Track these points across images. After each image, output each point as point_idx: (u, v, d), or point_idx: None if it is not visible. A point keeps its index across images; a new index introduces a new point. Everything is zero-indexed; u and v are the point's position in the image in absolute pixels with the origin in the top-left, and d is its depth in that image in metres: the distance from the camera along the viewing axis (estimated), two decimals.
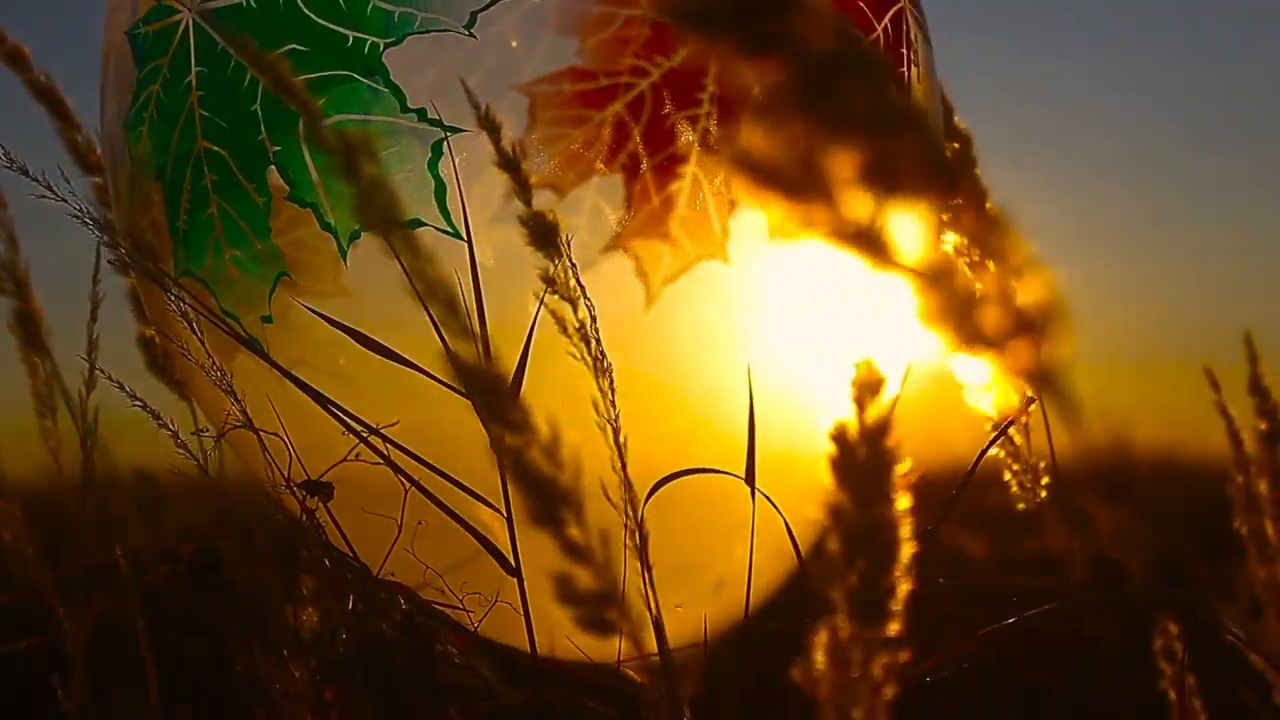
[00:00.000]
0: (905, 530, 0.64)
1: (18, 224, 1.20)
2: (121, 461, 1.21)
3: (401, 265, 0.64)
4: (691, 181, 0.94)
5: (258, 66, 0.65)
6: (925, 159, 0.44)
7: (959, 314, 0.46)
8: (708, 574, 1.02)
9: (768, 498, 0.95)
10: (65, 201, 0.93)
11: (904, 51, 1.00)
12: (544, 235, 0.81)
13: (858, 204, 0.45)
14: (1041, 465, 1.13)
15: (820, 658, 0.64)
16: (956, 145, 1.12)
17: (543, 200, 0.92)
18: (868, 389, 0.65)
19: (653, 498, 0.96)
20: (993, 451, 1.16)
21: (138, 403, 0.93)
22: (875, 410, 0.65)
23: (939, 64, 1.17)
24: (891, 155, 0.44)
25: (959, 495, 0.94)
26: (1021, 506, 1.12)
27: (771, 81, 0.43)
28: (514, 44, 0.93)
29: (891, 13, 1.00)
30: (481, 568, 0.99)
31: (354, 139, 0.64)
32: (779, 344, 1.02)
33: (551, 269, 0.82)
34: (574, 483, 0.66)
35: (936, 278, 0.46)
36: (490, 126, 0.82)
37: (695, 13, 0.45)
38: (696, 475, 0.97)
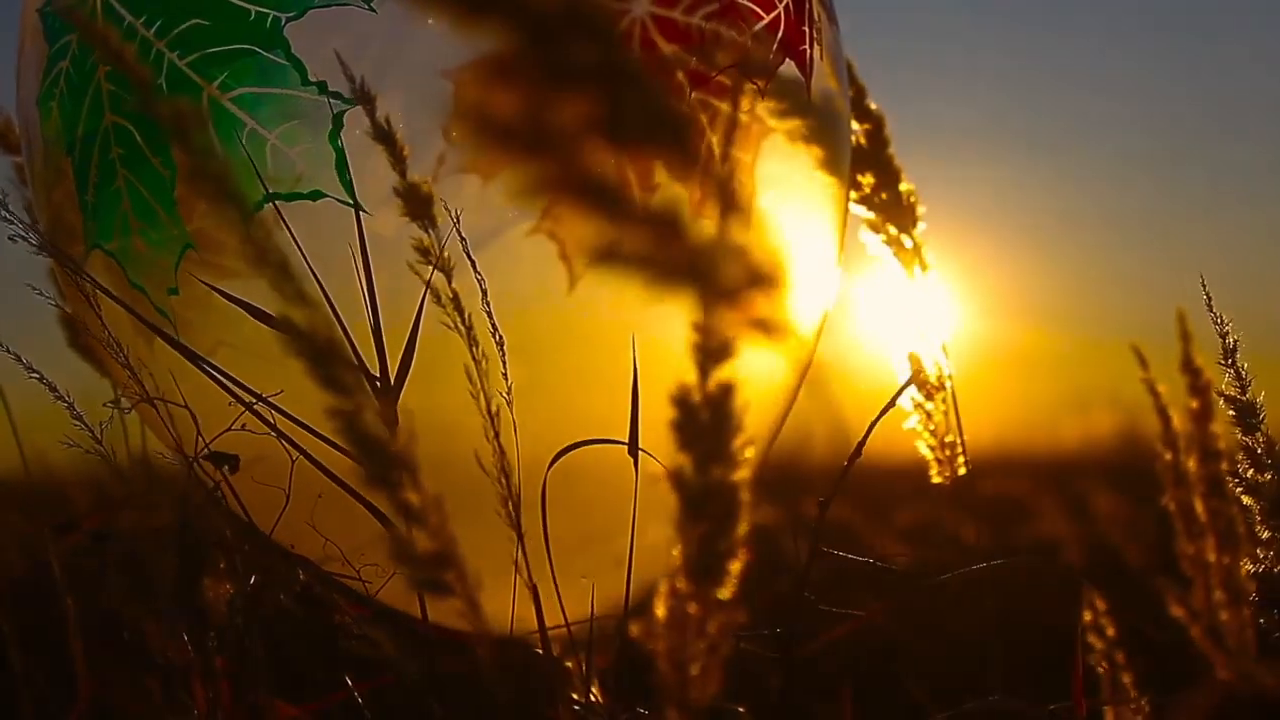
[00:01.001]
0: (744, 494, 0.64)
1: None
2: (40, 439, 1.22)
3: (293, 241, 0.64)
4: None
5: (88, 37, 0.66)
6: (650, 113, 0.45)
7: (692, 267, 0.47)
8: (609, 549, 1.02)
9: (658, 460, 0.95)
10: None
11: (805, 29, 1.01)
12: (419, 206, 0.82)
13: (589, 158, 0.46)
14: (955, 443, 1.13)
15: (660, 614, 0.65)
16: (868, 126, 1.12)
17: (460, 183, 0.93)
18: (712, 354, 0.66)
19: (563, 473, 0.97)
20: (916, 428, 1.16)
21: (34, 374, 0.94)
22: (719, 375, 0.66)
23: (870, 46, 1.18)
24: (618, 110, 0.45)
25: (849, 467, 0.95)
26: (937, 480, 1.13)
27: (498, 41, 0.44)
28: (430, 23, 0.93)
29: None
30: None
31: (185, 110, 0.65)
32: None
33: (427, 240, 0.83)
34: (407, 446, 0.67)
35: (668, 228, 0.46)
36: (365, 99, 0.83)
37: None
38: (610, 451, 0.98)
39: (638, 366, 0.94)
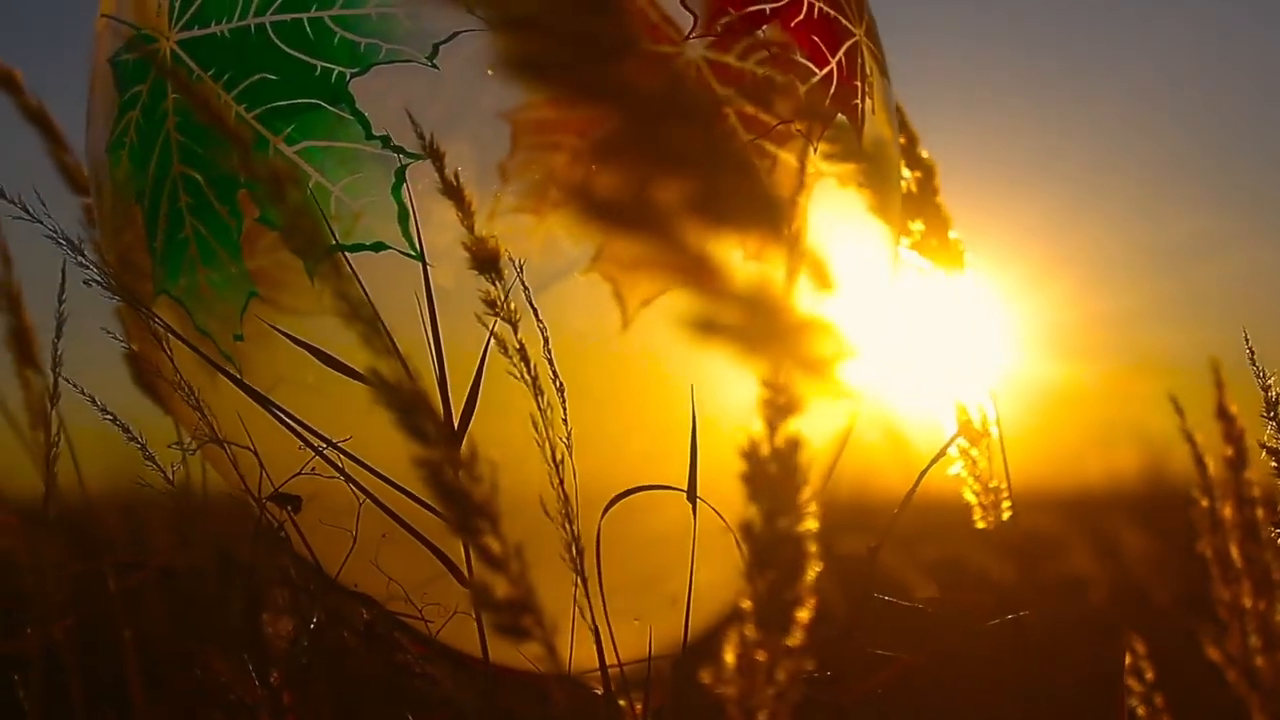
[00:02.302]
0: (811, 545, 0.67)
1: (11, 243, 1.24)
2: (102, 474, 1.24)
3: (363, 287, 0.67)
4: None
5: (190, 98, 0.68)
6: (749, 195, 0.47)
7: (780, 338, 0.49)
8: (664, 589, 1.04)
9: (717, 512, 0.97)
10: (40, 222, 0.96)
11: (858, 85, 1.03)
12: (486, 261, 0.85)
13: (687, 236, 0.48)
14: (1001, 488, 1.15)
15: (729, 661, 0.67)
16: (918, 174, 1.15)
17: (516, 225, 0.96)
18: (779, 409, 0.68)
19: (619, 515, 0.99)
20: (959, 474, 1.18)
21: (108, 416, 0.96)
22: (786, 429, 0.68)
23: (915, 96, 1.20)
24: (717, 192, 0.47)
25: (900, 514, 0.97)
26: (981, 525, 1.15)
27: (606, 123, 0.46)
28: (490, 72, 0.96)
29: (846, 46, 1.02)
30: (450, 579, 1.02)
31: (281, 169, 0.67)
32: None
33: (494, 293, 0.85)
34: (490, 495, 0.69)
35: (759, 304, 0.49)
36: (435, 155, 0.85)
37: (532, 60, 0.49)
38: (664, 494, 1.00)
39: (696, 415, 0.96)
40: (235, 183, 0.96)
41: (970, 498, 1.16)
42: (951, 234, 1.16)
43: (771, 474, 0.67)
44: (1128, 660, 1.12)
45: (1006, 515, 1.18)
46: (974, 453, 1.15)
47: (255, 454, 1.00)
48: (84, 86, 1.12)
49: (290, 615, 0.95)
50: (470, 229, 0.86)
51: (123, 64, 1.02)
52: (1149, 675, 1.13)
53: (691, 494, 0.95)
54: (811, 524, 0.66)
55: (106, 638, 1.00)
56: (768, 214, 0.50)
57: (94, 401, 0.96)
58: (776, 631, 0.67)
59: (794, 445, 0.67)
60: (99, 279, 0.95)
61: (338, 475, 0.94)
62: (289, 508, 0.99)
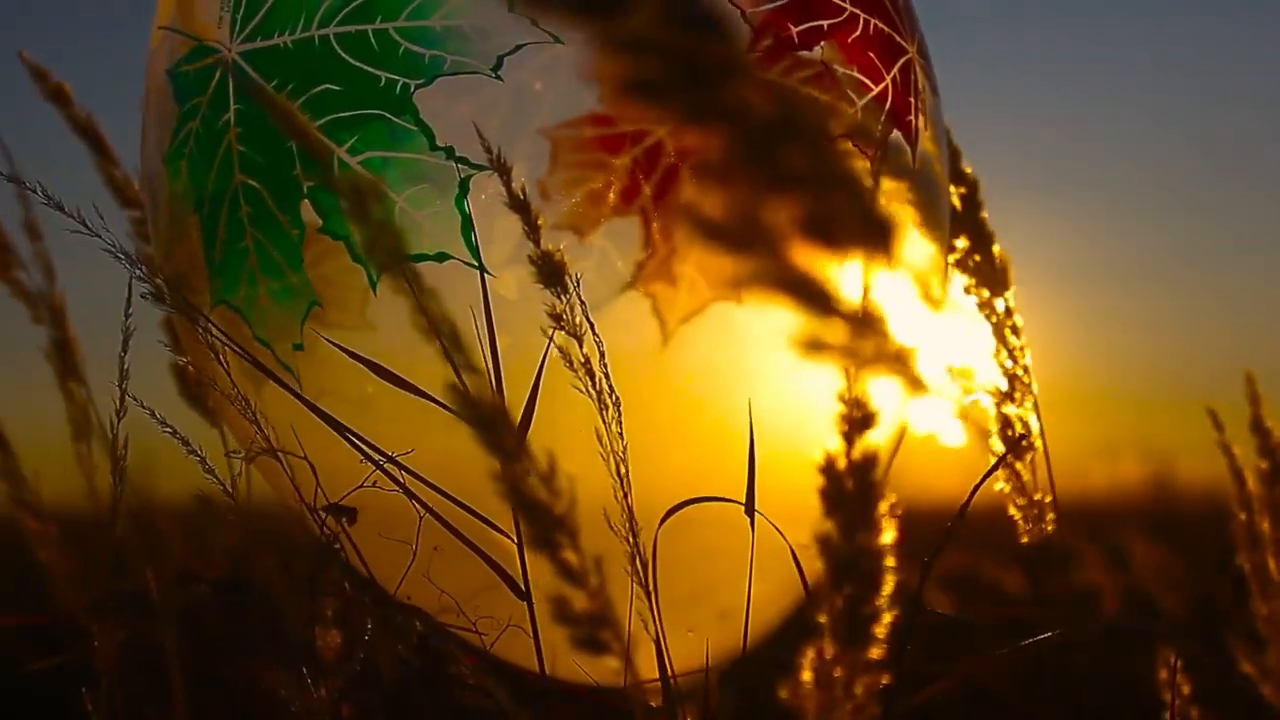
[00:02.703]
0: (890, 559, 0.67)
1: (54, 255, 1.25)
2: (153, 487, 1.25)
3: (420, 301, 0.67)
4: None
5: (273, 110, 0.69)
6: (860, 216, 0.48)
7: (894, 359, 0.49)
8: (714, 602, 1.05)
9: (772, 524, 0.98)
10: (99, 236, 0.97)
11: (911, 100, 1.04)
12: (552, 274, 0.85)
13: (798, 257, 0.49)
14: (1046, 500, 1.15)
15: (807, 677, 0.67)
16: (963, 190, 1.15)
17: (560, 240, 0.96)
18: (856, 423, 0.69)
19: (666, 527, 0.99)
20: (1000, 487, 1.19)
21: (167, 429, 0.97)
22: (863, 444, 0.68)
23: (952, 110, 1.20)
24: (828, 213, 0.48)
25: (954, 528, 0.97)
26: (1025, 540, 1.15)
27: (717, 145, 0.47)
28: (537, 87, 0.96)
29: (900, 63, 1.03)
30: (500, 592, 1.02)
31: (363, 182, 0.67)
32: (790, 381, 1.05)
33: (559, 306, 0.86)
34: (569, 509, 0.70)
35: (870, 325, 0.49)
36: (502, 169, 0.86)
37: (643, 82, 0.49)
38: (710, 506, 1.00)
39: (754, 429, 0.96)
40: (298, 192, 0.97)
41: (1014, 511, 1.17)
42: (995, 249, 1.17)
43: (848, 489, 0.68)
44: (1163, 674, 1.12)
45: (1050, 529, 1.18)
46: (1018, 466, 1.15)
47: (311, 466, 1.00)
48: (131, 99, 1.13)
49: (346, 628, 0.95)
50: (536, 242, 0.86)
51: (182, 75, 1.03)
52: (1185, 689, 1.13)
53: (750, 507, 0.95)
54: (889, 538, 0.67)
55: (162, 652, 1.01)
56: (877, 234, 0.50)
57: (154, 415, 0.96)
58: (855, 647, 0.68)
59: (871, 459, 0.68)
60: (157, 292, 0.95)
61: (397, 489, 0.94)
62: (344, 519, 0.99)
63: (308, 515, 0.99)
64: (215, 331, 0.98)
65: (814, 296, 0.51)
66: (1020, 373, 1.17)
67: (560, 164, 0.96)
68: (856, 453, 0.68)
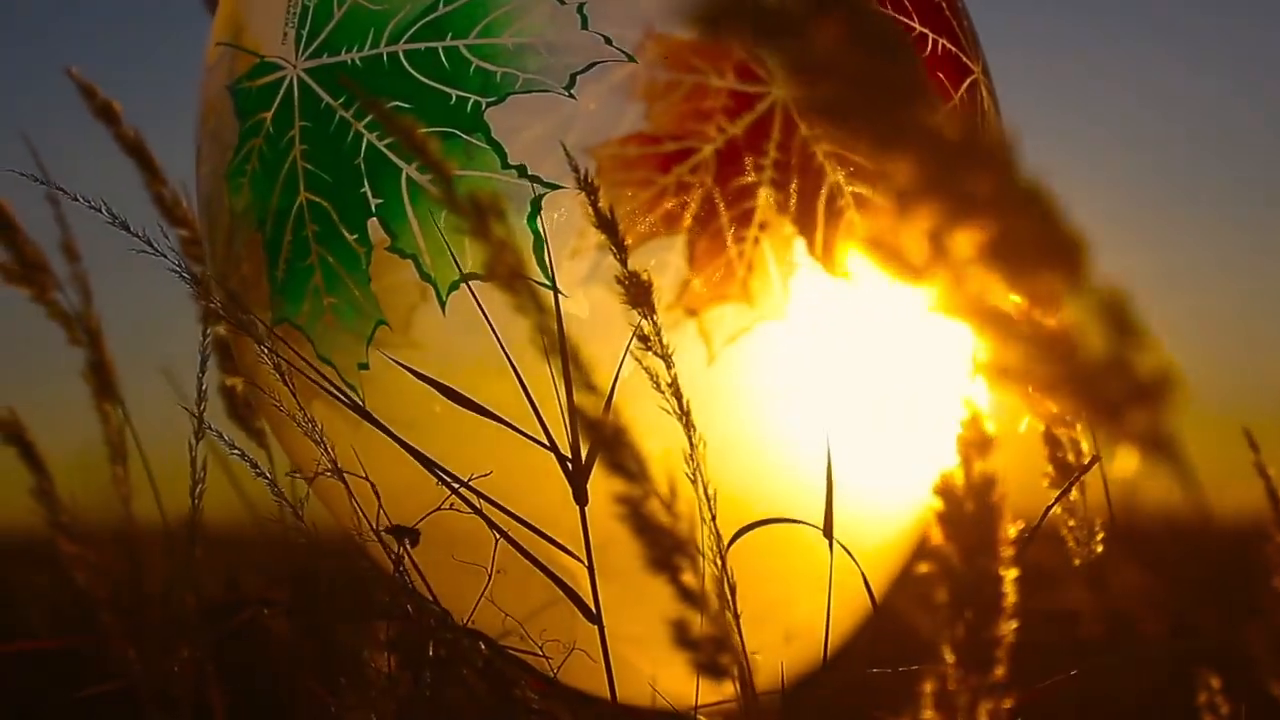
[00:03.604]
0: (1010, 583, 0.66)
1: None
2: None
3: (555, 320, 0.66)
4: (753, 244, 0.97)
5: (390, 126, 0.68)
6: (1047, 240, 0.47)
7: (1080, 383, 0.49)
8: (779, 624, 1.04)
9: (847, 551, 0.97)
10: (164, 256, 0.96)
11: (978, 121, 1.04)
12: (640, 294, 0.84)
13: (981, 282, 0.48)
14: (1098, 522, 1.15)
15: (928, 704, 0.67)
16: None
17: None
18: (975, 445, 0.68)
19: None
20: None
21: (235, 451, 0.96)
22: (982, 465, 0.68)
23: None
24: (1014, 237, 0.47)
25: (1025, 548, 0.97)
26: (1076, 562, 1.15)
27: (903, 169, 0.46)
28: (592, 107, 0.96)
29: (966, 83, 1.03)
30: (554, 614, 1.01)
31: (484, 200, 0.67)
32: (838, 401, 1.04)
33: (647, 327, 0.85)
34: (690, 532, 0.69)
35: (1056, 348, 0.49)
36: (588, 188, 0.85)
37: (829, 105, 0.49)
38: (770, 529, 0.99)
39: (831, 450, 0.96)
40: (365, 210, 0.96)
41: (1065, 533, 1.16)
42: None
43: (968, 511, 0.67)
44: (1203, 696, 1.12)
45: (1099, 549, 1.18)
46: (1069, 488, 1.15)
47: (373, 487, 0.99)
48: (174, 118, 1.12)
49: (404, 651, 0.94)
50: (624, 262, 0.85)
51: (243, 91, 1.02)
52: (1224, 710, 1.13)
53: (828, 530, 0.95)
54: (1010, 561, 0.66)
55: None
56: (1065, 257, 0.50)
57: (221, 437, 0.95)
58: (978, 671, 0.67)
59: (990, 482, 0.67)
60: (219, 310, 0.94)
61: (470, 512, 0.93)
62: (405, 541, 0.98)
63: (371, 537, 0.98)
64: (280, 350, 0.97)
65: (1000, 321, 0.50)
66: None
67: (605, 182, 0.95)
68: (976, 475, 0.68)
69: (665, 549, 0.67)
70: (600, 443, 0.67)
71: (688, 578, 0.68)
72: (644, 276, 0.85)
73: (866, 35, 0.49)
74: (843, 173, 0.97)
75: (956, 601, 0.67)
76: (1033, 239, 0.50)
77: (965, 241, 0.50)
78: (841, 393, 1.03)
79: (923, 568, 0.67)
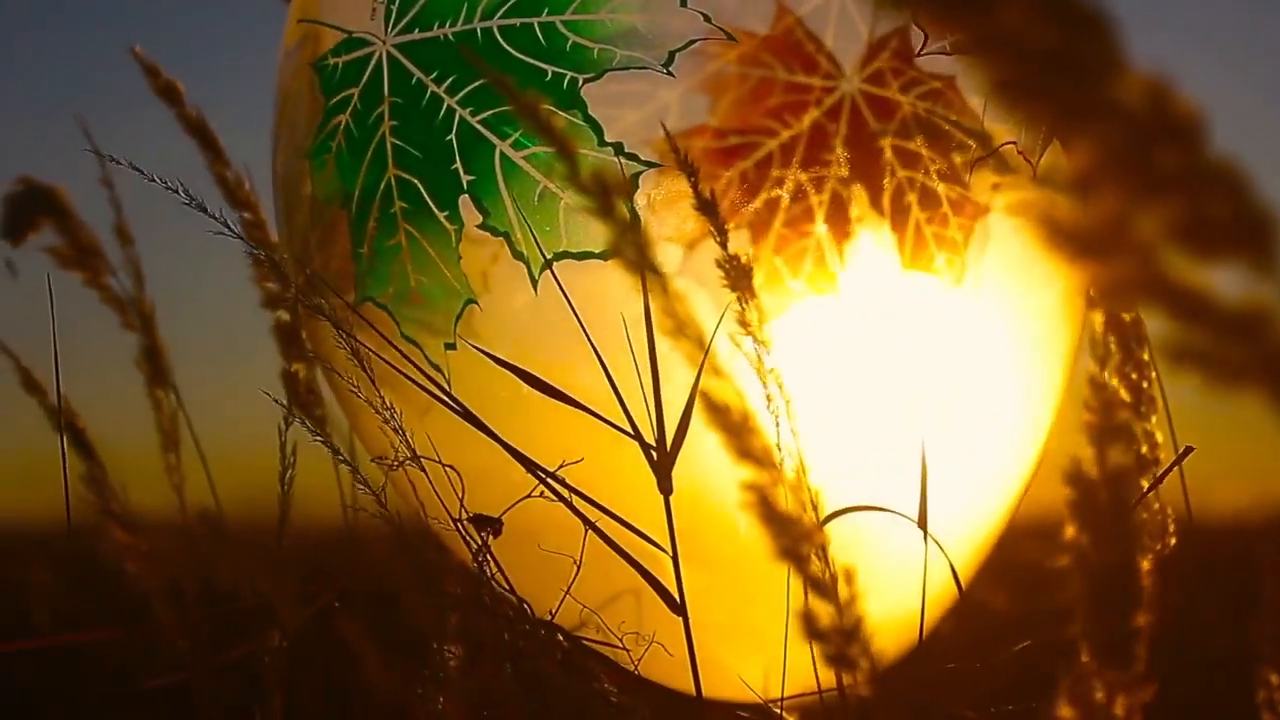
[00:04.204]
0: (1147, 574, 0.65)
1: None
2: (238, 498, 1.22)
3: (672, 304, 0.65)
4: (817, 241, 0.95)
5: (516, 103, 0.66)
6: (1240, 218, 0.45)
7: (1271, 367, 0.47)
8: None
9: (936, 541, 0.95)
10: (241, 238, 0.94)
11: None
12: (741, 278, 0.83)
13: (1171, 264, 0.46)
14: (1172, 516, 1.13)
15: (1064, 698, 0.65)
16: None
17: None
18: (1109, 433, 0.66)
19: None
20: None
21: (318, 438, 0.94)
22: (1117, 453, 0.66)
23: None
24: (1204, 217, 0.45)
25: (1123, 549, 0.95)
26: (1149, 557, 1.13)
27: (1090, 147, 0.45)
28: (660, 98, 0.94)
29: None
30: (621, 607, 1.00)
31: (611, 179, 0.65)
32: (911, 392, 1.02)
33: (747, 312, 0.83)
34: (818, 520, 0.67)
35: (1244, 330, 0.47)
36: (689, 169, 0.83)
37: (1013, 82, 0.47)
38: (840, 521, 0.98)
39: (925, 439, 0.94)
40: (457, 187, 0.94)
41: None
42: None
43: (1101, 501, 0.65)
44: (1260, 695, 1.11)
45: (1172, 542, 1.16)
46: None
47: (456, 473, 0.98)
48: (239, 98, 1.10)
49: (473, 641, 0.92)
50: (724, 245, 0.84)
51: (328, 68, 1.00)
52: None
53: (922, 521, 0.93)
54: (1146, 551, 0.65)
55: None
56: (1257, 236, 0.48)
57: (304, 424, 0.93)
58: (1115, 664, 0.65)
59: (1125, 470, 0.66)
60: (298, 294, 0.93)
61: (557, 500, 0.92)
62: (487, 531, 0.97)
63: (452, 526, 0.96)
64: (359, 334, 0.95)
65: (1187, 303, 0.49)
66: (1145, 385, 1.15)
67: (668, 177, 0.94)
68: (1110, 463, 0.66)
69: (794, 538, 0.66)
70: (729, 429, 0.66)
71: (816, 568, 0.67)
72: (745, 260, 0.83)
73: (1055, 6, 0.47)
74: (911, 168, 0.96)
75: (1093, 593, 0.66)
76: (1222, 217, 0.48)
77: (1152, 220, 0.48)
78: (913, 384, 1.02)
79: (1060, 559, 0.65)
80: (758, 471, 0.66)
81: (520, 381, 0.96)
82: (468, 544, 0.96)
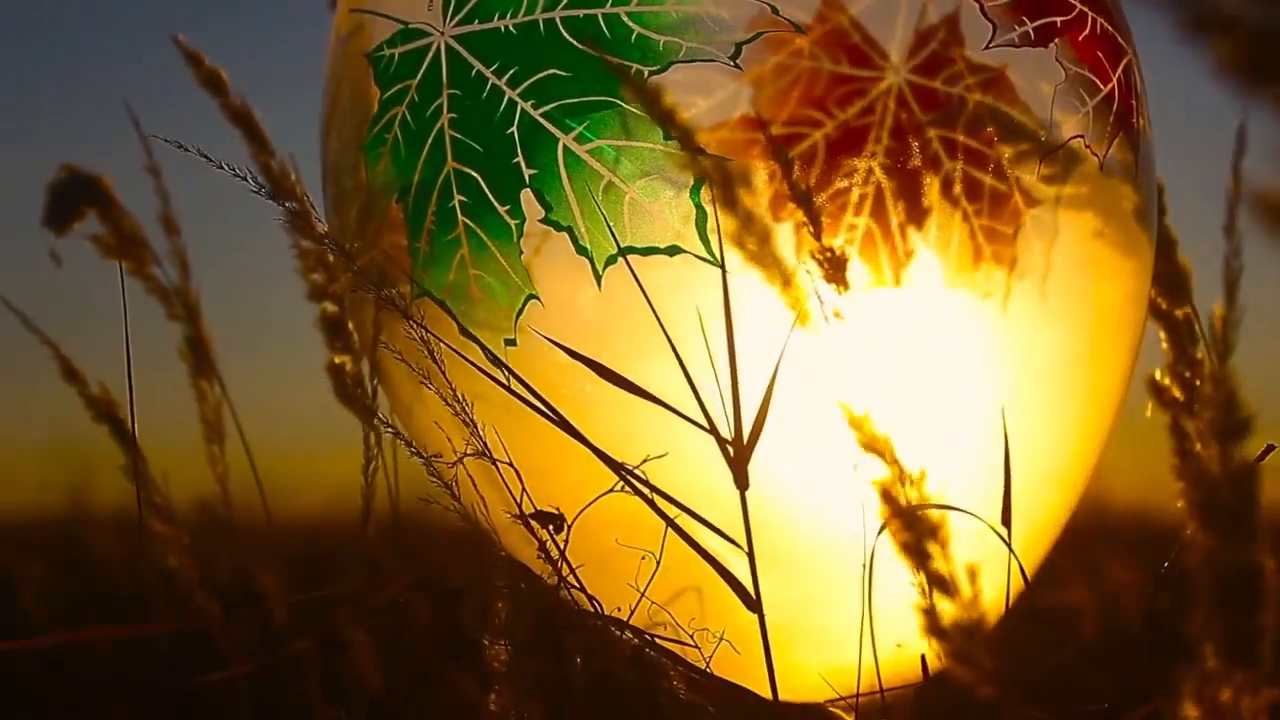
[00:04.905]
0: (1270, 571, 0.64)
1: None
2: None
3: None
4: (864, 233, 0.94)
5: (636, 92, 0.64)
6: None
7: None
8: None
9: (1001, 536, 0.94)
10: (305, 228, 0.93)
11: (1133, 102, 1.01)
12: (837, 269, 0.81)
13: None
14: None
15: (1189, 699, 0.64)
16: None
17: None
18: (1231, 432, 0.66)
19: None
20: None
21: (389, 429, 0.93)
22: (1238, 452, 0.65)
23: None
24: None
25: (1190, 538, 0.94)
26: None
27: None
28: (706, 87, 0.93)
29: (1123, 64, 1.00)
30: (684, 604, 0.99)
31: (732, 170, 0.64)
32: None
33: (842, 303, 0.82)
34: (942, 517, 0.66)
35: None
36: (783, 159, 0.82)
37: (1242, 63, 0.46)
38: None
39: (1008, 439, 0.93)
40: (518, 181, 0.92)
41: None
42: (1178, 256, 1.14)
43: (1224, 499, 0.65)
44: None
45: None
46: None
47: (514, 468, 0.96)
48: (283, 86, 1.08)
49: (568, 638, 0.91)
50: (818, 236, 0.82)
51: (383, 59, 0.98)
52: None
53: (1006, 517, 0.92)
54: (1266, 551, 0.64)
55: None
56: None
57: (375, 416, 0.92)
58: (1241, 664, 0.65)
59: (1248, 468, 0.65)
60: (364, 284, 0.91)
61: (638, 496, 0.90)
62: (550, 526, 0.95)
63: (516, 521, 0.95)
64: (428, 327, 0.93)
65: None
66: (1199, 385, 1.15)
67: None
68: (1233, 462, 0.65)
69: (919, 533, 0.65)
70: (853, 423, 0.65)
71: (939, 565, 0.65)
72: (840, 250, 0.82)
73: None
74: (959, 159, 0.95)
75: (1218, 592, 0.65)
76: None
77: None
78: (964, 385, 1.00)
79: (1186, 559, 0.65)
80: (883, 465, 0.64)
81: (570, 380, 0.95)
82: (537, 539, 0.94)
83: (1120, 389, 1.05)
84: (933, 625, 0.64)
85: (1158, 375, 1.13)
